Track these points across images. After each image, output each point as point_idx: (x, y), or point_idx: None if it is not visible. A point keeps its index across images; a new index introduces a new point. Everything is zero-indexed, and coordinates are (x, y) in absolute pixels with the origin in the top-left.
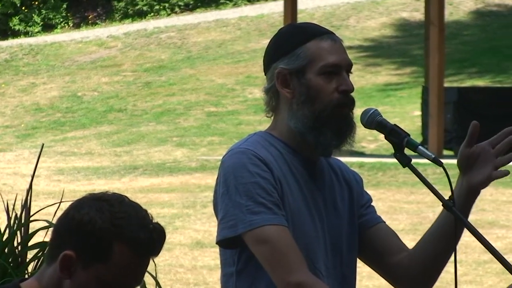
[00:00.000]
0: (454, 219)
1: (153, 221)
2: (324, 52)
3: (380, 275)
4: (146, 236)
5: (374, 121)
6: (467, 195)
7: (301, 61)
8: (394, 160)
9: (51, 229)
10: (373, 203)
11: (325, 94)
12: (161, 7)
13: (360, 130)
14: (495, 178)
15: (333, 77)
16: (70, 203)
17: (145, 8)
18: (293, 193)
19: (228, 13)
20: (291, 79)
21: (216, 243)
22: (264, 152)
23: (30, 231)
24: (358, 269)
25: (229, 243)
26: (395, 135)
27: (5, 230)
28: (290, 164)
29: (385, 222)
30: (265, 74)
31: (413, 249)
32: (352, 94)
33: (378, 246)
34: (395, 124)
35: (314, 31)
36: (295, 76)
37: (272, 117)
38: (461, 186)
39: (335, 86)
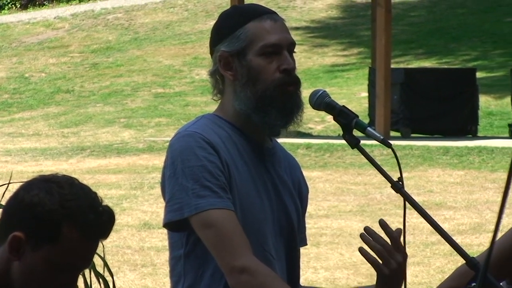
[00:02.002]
0: (403, 199)
1: (103, 203)
2: (263, 32)
3: None
4: (95, 219)
5: (322, 102)
6: None
7: (241, 43)
8: (342, 141)
9: (0, 210)
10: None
11: (267, 74)
12: None
13: (307, 111)
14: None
15: (274, 57)
16: (19, 184)
17: None
18: (242, 175)
19: None
20: (232, 61)
21: (163, 225)
22: (212, 134)
23: None
24: (305, 251)
25: (175, 226)
26: (343, 117)
27: None
28: (239, 145)
29: (305, 245)
30: (211, 57)
31: None
32: (299, 75)
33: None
34: (343, 106)
35: (255, 12)
36: (236, 58)
37: (219, 100)
38: None
39: (276, 65)
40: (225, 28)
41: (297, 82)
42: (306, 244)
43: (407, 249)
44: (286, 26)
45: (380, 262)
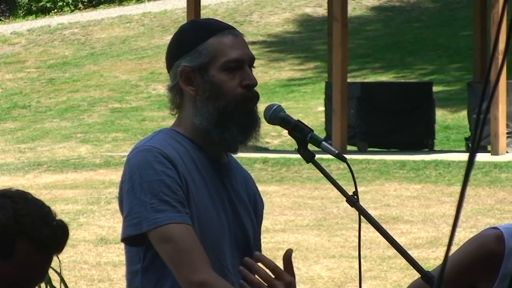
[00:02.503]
0: (358, 214)
1: (57, 218)
2: (225, 47)
3: None
4: (49, 233)
5: (277, 116)
6: None
7: (203, 58)
8: (298, 156)
9: None
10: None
11: (229, 89)
12: (64, 3)
13: (264, 126)
14: None
15: (236, 72)
16: None
17: (48, 4)
18: (199, 190)
19: (131, 9)
20: (194, 76)
21: (121, 240)
22: (170, 149)
23: None
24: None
25: (134, 241)
26: (298, 131)
27: None
28: (196, 160)
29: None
30: (168, 72)
31: None
32: (256, 89)
33: None
34: (298, 120)
35: (215, 27)
36: (198, 73)
37: (177, 114)
38: None
39: (239, 81)
40: (186, 43)
41: (256, 98)
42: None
43: (364, 263)
44: (246, 41)
45: None
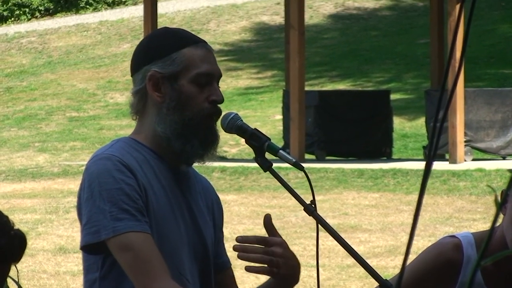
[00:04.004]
0: (316, 222)
1: (14, 227)
2: (198, 60)
3: None
4: (6, 243)
5: (234, 125)
6: None
7: (175, 67)
8: (256, 165)
9: None
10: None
11: (196, 102)
12: (21, 12)
13: (222, 135)
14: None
15: (205, 86)
16: None
17: (5, 13)
18: (158, 198)
19: (88, 18)
20: (163, 83)
21: (80, 248)
22: (129, 158)
23: None
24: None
25: (92, 249)
26: (255, 140)
27: None
28: (156, 169)
29: (231, 268)
30: (132, 76)
31: None
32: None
33: None
34: (255, 128)
35: (190, 38)
36: (168, 81)
37: (137, 120)
38: None
39: (206, 95)
40: (159, 49)
41: (219, 114)
42: (230, 265)
43: (322, 272)
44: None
45: (269, 267)
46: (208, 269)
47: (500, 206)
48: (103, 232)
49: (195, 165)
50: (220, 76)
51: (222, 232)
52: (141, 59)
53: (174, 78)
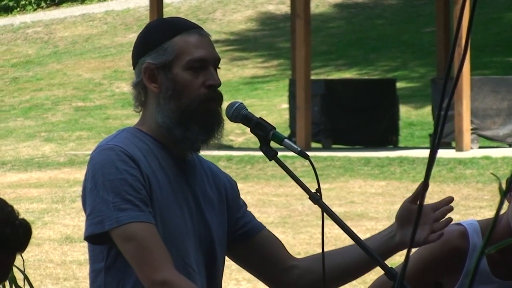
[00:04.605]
0: (321, 211)
1: (19, 217)
2: (191, 46)
3: (265, 283)
4: (11, 232)
5: (239, 114)
6: (395, 248)
7: (168, 56)
8: (262, 154)
9: None
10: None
11: (192, 88)
12: (27, 2)
13: (228, 124)
14: (431, 241)
15: (200, 72)
16: None
17: (11, 3)
18: (163, 188)
19: (94, 8)
20: (158, 74)
21: (84, 239)
22: (133, 148)
23: None
24: (227, 262)
25: (96, 239)
26: (260, 129)
27: None
28: (160, 159)
29: (266, 229)
30: (133, 69)
31: (306, 262)
32: (220, 88)
33: (265, 254)
34: (260, 118)
35: (182, 26)
36: (162, 71)
37: (141, 112)
38: (392, 238)
39: (202, 80)
40: (152, 40)
41: (219, 98)
42: (264, 227)
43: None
44: (212, 41)
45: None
46: (214, 258)
47: (505, 194)
48: (107, 223)
49: (203, 153)
50: (217, 60)
51: (245, 204)
52: (136, 52)
53: (168, 68)
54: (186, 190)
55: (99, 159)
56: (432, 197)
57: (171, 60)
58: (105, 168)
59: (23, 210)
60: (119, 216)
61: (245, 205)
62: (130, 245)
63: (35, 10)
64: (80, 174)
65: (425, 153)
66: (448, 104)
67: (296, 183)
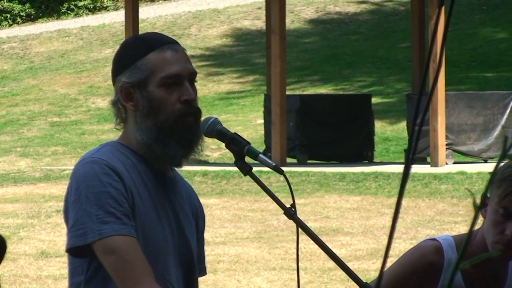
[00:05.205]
0: (296, 226)
1: None
2: (164, 63)
3: None
4: None
5: (214, 130)
6: None
7: (141, 74)
8: (238, 169)
9: None
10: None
11: (168, 105)
12: (2, 17)
13: (204, 139)
14: None
15: (174, 88)
16: None
17: None
18: (145, 203)
19: (70, 23)
20: (134, 92)
21: (66, 251)
22: (117, 162)
23: None
24: (202, 278)
25: (78, 252)
26: (235, 144)
27: None
28: (143, 174)
29: (205, 274)
30: (113, 86)
31: None
32: (197, 103)
33: None
34: (235, 133)
35: (155, 42)
36: (138, 89)
37: (123, 128)
38: None
39: (177, 96)
40: (126, 59)
41: (197, 113)
42: (205, 274)
43: (304, 275)
44: (187, 55)
45: None
46: (193, 273)
47: (479, 209)
48: (90, 235)
49: (179, 168)
50: (193, 73)
51: (203, 239)
52: (113, 70)
53: (143, 86)
54: (167, 205)
55: (83, 171)
56: (408, 212)
57: (145, 78)
58: (89, 180)
59: None
60: (102, 229)
61: (204, 240)
62: (112, 258)
63: (10, 25)
64: (55, 189)
65: (400, 168)
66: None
67: (271, 198)
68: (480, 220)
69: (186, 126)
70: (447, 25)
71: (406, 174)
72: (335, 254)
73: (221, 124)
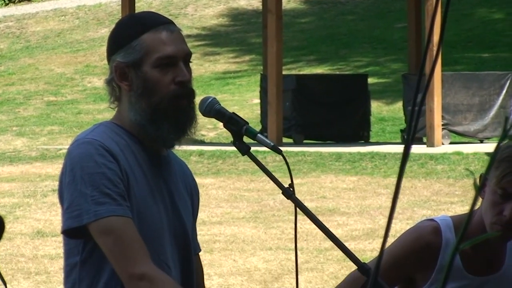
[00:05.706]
0: (294, 206)
1: None
2: (159, 43)
3: None
4: None
5: (212, 109)
6: None
7: (136, 54)
8: (234, 148)
9: None
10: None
11: (162, 86)
12: None
13: (199, 118)
14: None
15: (169, 68)
16: None
17: None
18: (139, 183)
19: (66, 2)
20: (128, 72)
21: (61, 232)
22: (111, 142)
23: None
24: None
25: (74, 233)
26: (233, 123)
27: None
28: (137, 154)
29: (198, 255)
30: (108, 65)
31: None
32: (192, 83)
33: None
34: (233, 112)
35: (151, 22)
36: (132, 69)
37: (117, 107)
38: None
39: (171, 77)
40: (121, 38)
41: (190, 95)
42: (199, 251)
43: (300, 255)
44: (183, 36)
45: None
46: (188, 253)
47: (479, 190)
48: (85, 216)
49: (175, 148)
50: (188, 54)
51: (196, 218)
52: (108, 49)
53: (138, 66)
54: (162, 185)
55: (78, 152)
56: (404, 192)
57: (140, 58)
58: (83, 161)
59: None
60: (97, 210)
61: (196, 219)
62: (108, 238)
63: (6, 4)
64: (51, 168)
65: (396, 148)
66: (422, 100)
67: (269, 178)
68: (478, 201)
69: (180, 108)
70: (447, 8)
71: (405, 155)
72: (334, 235)
73: (220, 104)
